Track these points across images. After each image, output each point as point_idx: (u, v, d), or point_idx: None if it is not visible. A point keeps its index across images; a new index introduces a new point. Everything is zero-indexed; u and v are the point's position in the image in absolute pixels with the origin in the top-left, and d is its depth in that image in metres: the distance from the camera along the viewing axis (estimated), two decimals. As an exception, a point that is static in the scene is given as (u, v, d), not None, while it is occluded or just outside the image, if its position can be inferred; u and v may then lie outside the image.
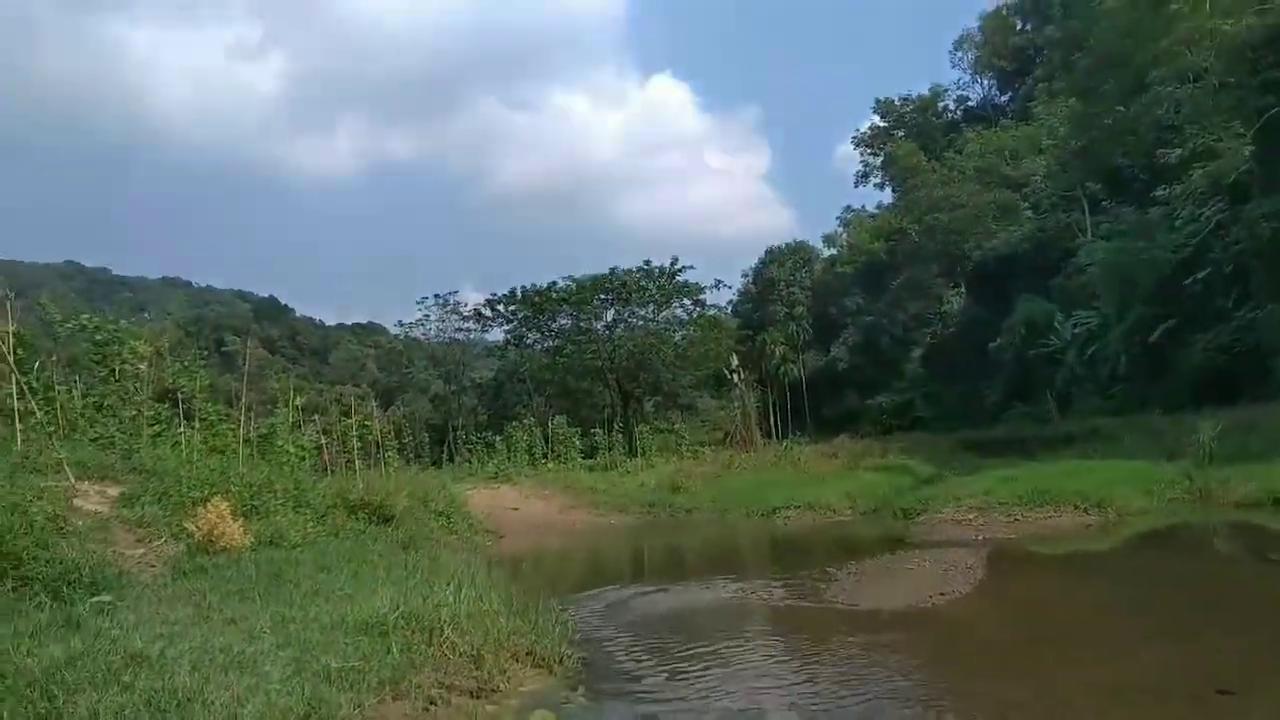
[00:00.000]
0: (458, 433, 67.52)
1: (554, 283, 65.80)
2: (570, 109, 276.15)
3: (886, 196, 74.82)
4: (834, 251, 75.61)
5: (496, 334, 74.11)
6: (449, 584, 8.40)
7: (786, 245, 76.61)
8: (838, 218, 79.18)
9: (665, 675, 7.58)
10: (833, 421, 61.03)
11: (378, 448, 30.14)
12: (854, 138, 78.02)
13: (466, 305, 74.26)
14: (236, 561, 9.58)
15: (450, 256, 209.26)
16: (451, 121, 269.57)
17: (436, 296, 74.99)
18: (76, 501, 11.86)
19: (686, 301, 66.78)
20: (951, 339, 56.18)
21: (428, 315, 76.20)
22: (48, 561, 8.73)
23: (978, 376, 49.33)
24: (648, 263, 63.68)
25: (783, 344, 67.98)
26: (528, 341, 70.28)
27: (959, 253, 56.04)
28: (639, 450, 38.59)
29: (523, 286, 67.42)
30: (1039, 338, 43.00)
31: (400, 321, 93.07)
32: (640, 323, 65.52)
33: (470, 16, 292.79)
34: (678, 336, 65.74)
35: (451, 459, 53.28)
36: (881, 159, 73.65)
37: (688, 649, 8.48)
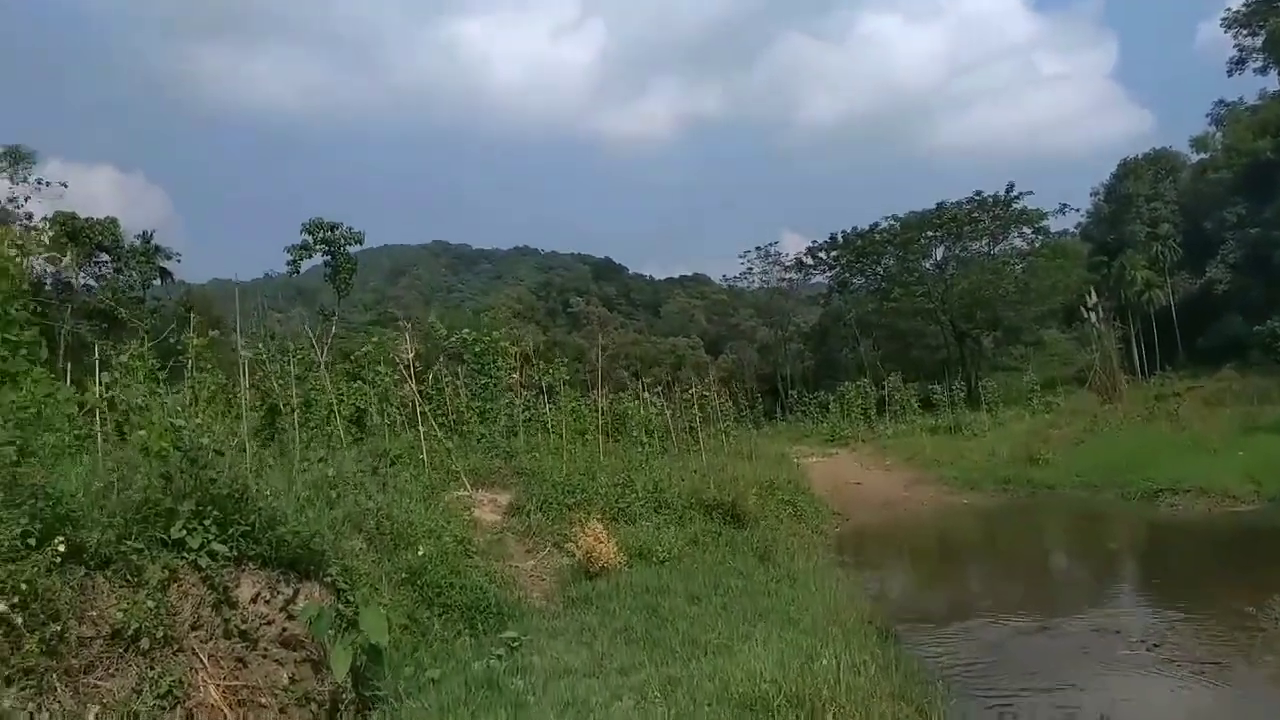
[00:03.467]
0: (786, 382, 68.11)
1: (876, 224, 63.57)
2: (879, 33, 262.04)
3: (1271, 83, 62.46)
4: (1205, 156, 65.07)
5: (819, 279, 73.42)
6: (818, 637, 8.38)
7: (1145, 155, 67.50)
8: (1208, 115, 67.84)
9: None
10: (1210, 353, 53.35)
11: (716, 414, 30.76)
12: (1224, 18, 65.64)
13: (788, 255, 74.30)
14: (616, 589, 10.30)
15: (767, 203, 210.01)
16: (758, 67, 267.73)
17: (758, 249, 75.89)
18: (475, 512, 13.42)
19: (1026, 230, 61.53)
20: (1370, 245, 46.49)
21: (750, 268, 77.32)
22: (461, 588, 9.93)
23: None
24: (978, 193, 59.34)
25: (1145, 268, 60.32)
26: (852, 286, 68.78)
27: (1377, 140, 45.86)
28: (983, 402, 36.20)
29: (843, 231, 65.95)
30: None
31: (725, 276, 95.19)
32: (974, 258, 61.40)
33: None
34: (1018, 269, 60.76)
35: (783, 412, 53.87)
36: (1262, 39, 61.41)
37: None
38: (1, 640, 6.00)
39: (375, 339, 18.57)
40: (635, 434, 19.60)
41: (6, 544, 6.25)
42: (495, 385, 18.68)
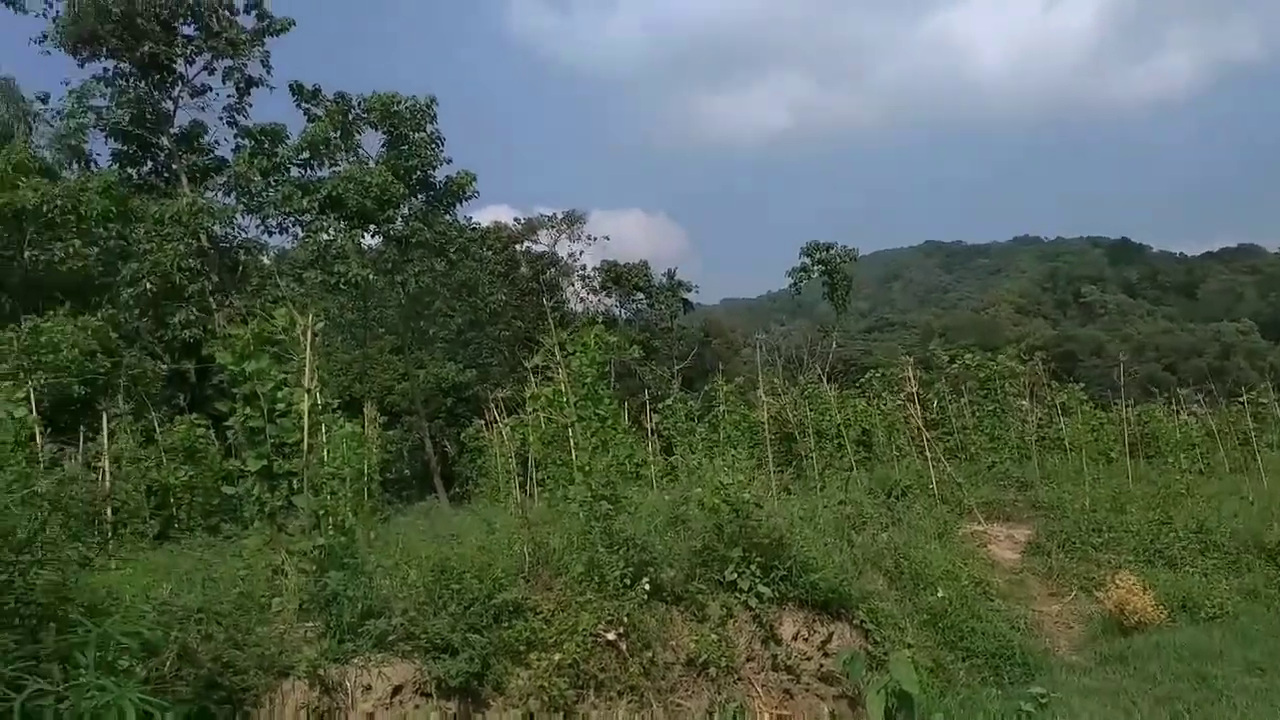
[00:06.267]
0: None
1: None
2: None
3: None
4: None
5: None
6: None
7: None
8: None
9: None
10: None
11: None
12: None
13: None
14: (1155, 648, 9.57)
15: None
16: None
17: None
18: (991, 548, 13.33)
19: None
20: None
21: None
22: (983, 634, 10.03)
23: None
24: None
25: None
26: None
27: None
28: None
29: None
30: None
31: (1281, 245, 79.63)
32: None
33: None
34: None
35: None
36: None
37: None
38: (613, 662, 7.68)
39: (880, 372, 19.17)
40: (1171, 457, 17.60)
41: (612, 583, 7.97)
42: (1003, 409, 18.19)
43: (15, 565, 5.20)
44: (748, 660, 8.48)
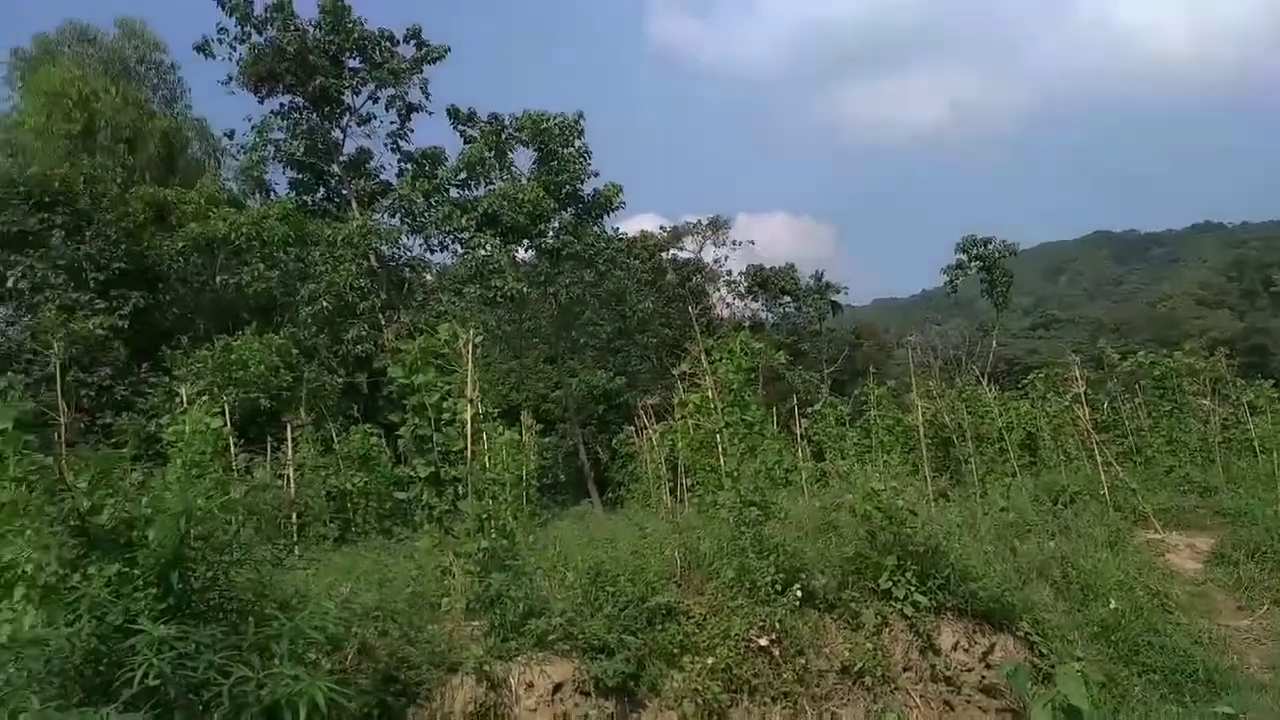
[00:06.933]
0: None
1: None
2: None
3: None
4: None
5: None
6: None
7: None
8: None
9: None
10: None
11: None
12: None
13: None
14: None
15: None
16: None
17: None
18: (1169, 557, 12.52)
19: None
20: None
21: None
22: (1160, 649, 9.44)
23: None
24: None
25: None
26: None
27: None
28: None
29: None
30: None
31: None
32: None
33: None
34: None
35: None
36: None
37: None
38: (765, 668, 7.71)
39: (1043, 372, 18.27)
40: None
41: (763, 589, 8.00)
42: (1182, 410, 16.97)
43: (218, 564, 5.76)
44: (904, 670, 8.32)
